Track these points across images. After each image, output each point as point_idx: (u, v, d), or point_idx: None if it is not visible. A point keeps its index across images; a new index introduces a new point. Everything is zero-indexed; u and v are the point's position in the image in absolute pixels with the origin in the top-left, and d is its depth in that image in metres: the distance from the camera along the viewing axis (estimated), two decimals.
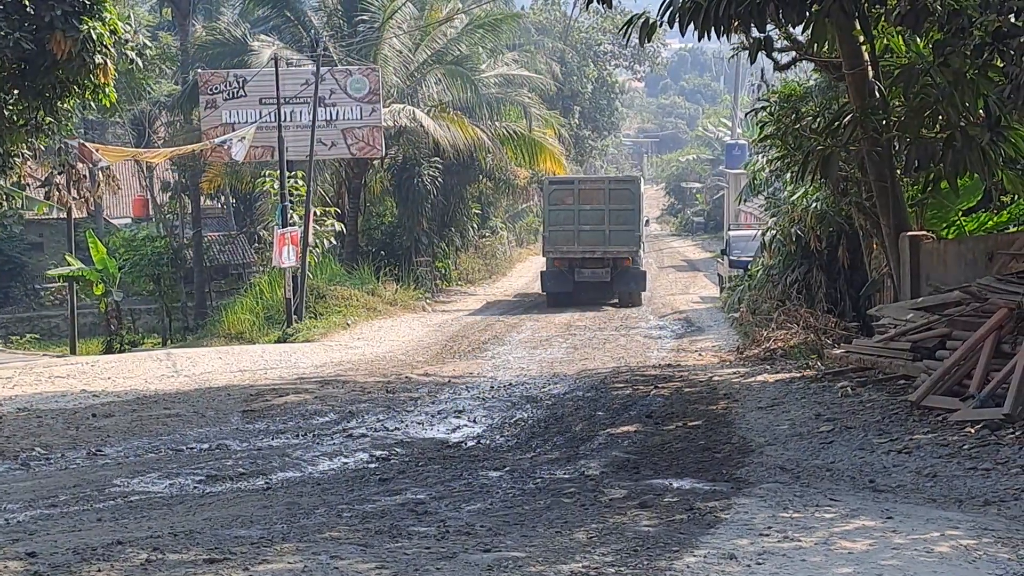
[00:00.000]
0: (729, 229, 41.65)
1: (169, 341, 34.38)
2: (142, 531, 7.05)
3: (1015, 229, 14.15)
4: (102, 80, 17.24)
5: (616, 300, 31.81)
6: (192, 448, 10.98)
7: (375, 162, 35.41)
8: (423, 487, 8.78)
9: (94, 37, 16.59)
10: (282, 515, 7.50)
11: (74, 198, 30.65)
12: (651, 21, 12.22)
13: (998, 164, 11.94)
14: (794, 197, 19.02)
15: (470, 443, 11.25)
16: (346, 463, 10.11)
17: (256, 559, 6.10)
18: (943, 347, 11.26)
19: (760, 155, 21.72)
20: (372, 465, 10.01)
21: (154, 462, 10.22)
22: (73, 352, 30.59)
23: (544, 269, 32.89)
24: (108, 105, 18.80)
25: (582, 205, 31.41)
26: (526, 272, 45.40)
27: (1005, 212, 14.51)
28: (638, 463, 9.62)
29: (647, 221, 40.65)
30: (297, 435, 11.67)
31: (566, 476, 9.24)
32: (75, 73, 17.06)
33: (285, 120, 28.84)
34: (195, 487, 9.02)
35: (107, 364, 19.81)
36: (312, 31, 35.38)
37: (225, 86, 31.81)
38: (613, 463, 9.81)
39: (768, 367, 15.25)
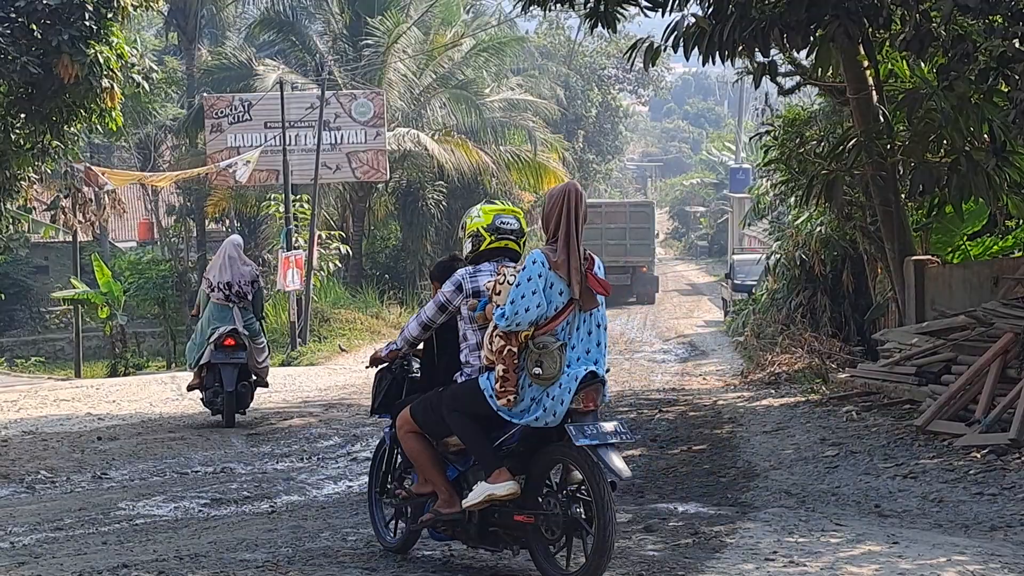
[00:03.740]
0: (733, 253, 41.94)
1: (174, 364, 34.34)
2: (147, 554, 7.04)
3: (1020, 254, 14.16)
4: (108, 104, 17.32)
5: (634, 299, 38.97)
6: (197, 471, 10.97)
7: (379, 185, 35.50)
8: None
9: (101, 61, 16.67)
10: (287, 539, 7.48)
11: (80, 221, 30.72)
12: (655, 46, 12.25)
13: (1003, 189, 11.94)
14: (798, 221, 19.05)
15: None
16: (351, 487, 10.09)
17: None
18: (948, 372, 11.25)
19: (764, 179, 21.83)
20: None
21: (159, 485, 10.20)
22: (78, 375, 30.58)
23: None
24: (114, 129, 18.87)
25: (607, 224, 38.24)
26: None
27: (1010, 237, 14.52)
28: (643, 487, 9.59)
29: (658, 234, 51.93)
30: (301, 458, 11.65)
31: None
32: (82, 97, 17.16)
33: (290, 144, 28.95)
34: (200, 510, 9.00)
35: (112, 387, 19.82)
36: (317, 55, 35.54)
37: (230, 110, 31.94)
38: (618, 487, 9.77)
39: (773, 391, 15.21)
